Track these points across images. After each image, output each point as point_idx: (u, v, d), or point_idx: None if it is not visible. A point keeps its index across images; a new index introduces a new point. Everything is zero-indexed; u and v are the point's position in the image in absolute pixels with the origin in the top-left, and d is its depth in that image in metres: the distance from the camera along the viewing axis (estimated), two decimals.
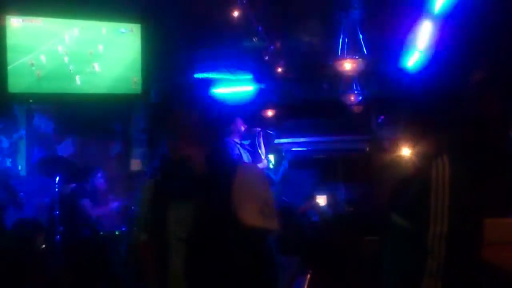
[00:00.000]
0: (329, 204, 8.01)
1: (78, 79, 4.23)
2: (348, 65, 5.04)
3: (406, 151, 2.44)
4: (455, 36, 4.33)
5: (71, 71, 4.21)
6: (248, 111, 7.77)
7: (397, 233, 2.22)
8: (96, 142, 6.33)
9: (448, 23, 4.36)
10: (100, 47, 4.28)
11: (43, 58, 4.17)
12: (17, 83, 4.12)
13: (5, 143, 4.79)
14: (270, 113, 8.17)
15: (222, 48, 6.36)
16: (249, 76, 7.33)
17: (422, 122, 2.34)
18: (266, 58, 6.02)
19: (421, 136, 2.32)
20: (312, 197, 8.78)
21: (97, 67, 4.31)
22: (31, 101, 4.60)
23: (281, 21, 5.59)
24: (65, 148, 5.68)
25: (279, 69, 6.49)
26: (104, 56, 4.34)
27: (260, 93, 7.79)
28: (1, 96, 4.10)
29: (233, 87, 7.68)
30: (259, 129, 6.09)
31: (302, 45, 6.42)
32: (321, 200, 8.48)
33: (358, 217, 5.78)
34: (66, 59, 4.21)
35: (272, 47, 5.94)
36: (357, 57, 5.12)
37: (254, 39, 5.42)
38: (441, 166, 1.96)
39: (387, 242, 2.34)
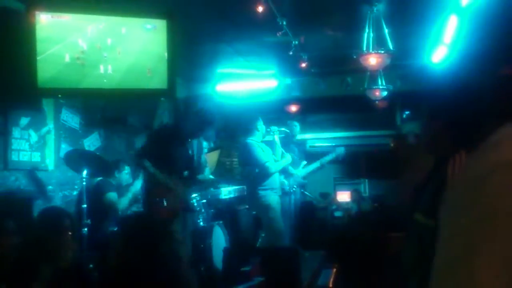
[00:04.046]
0: (353, 200, 7.98)
1: (101, 73, 4.28)
2: (373, 60, 4.98)
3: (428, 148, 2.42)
4: (483, 30, 4.25)
5: (96, 65, 4.27)
6: (272, 106, 7.79)
7: (418, 230, 2.21)
8: (121, 136, 6.43)
9: (476, 17, 4.29)
10: (124, 42, 4.32)
11: (68, 51, 4.23)
12: (45, 77, 4.19)
13: (34, 137, 4.88)
14: (293, 108, 8.15)
15: (245, 43, 6.37)
16: (272, 71, 7.32)
17: (443, 118, 2.32)
18: (290, 53, 5.99)
19: (441, 132, 2.30)
20: (335, 193, 8.78)
21: (121, 61, 4.36)
22: (60, 96, 4.68)
23: (305, 15, 5.55)
24: (92, 142, 5.78)
25: (303, 64, 6.46)
26: (129, 51, 4.38)
27: (283, 88, 7.78)
28: (31, 91, 4.17)
29: (257, 83, 7.69)
30: (276, 127, 6.11)
31: (326, 39, 6.38)
32: (345, 196, 8.45)
33: (383, 213, 5.75)
34: (89, 52, 4.26)
35: (296, 42, 5.91)
36: (382, 51, 5.06)
37: (278, 34, 5.40)
38: (458, 163, 1.95)
39: (409, 240, 2.33)
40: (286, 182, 6.24)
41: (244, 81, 7.77)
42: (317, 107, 8.51)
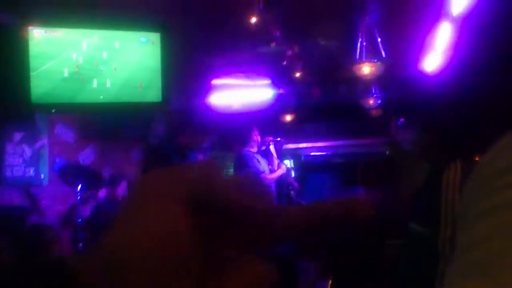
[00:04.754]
0: None
1: (95, 88, 4.28)
2: (366, 69, 5.01)
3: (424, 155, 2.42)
4: (474, 38, 4.29)
5: (90, 79, 4.27)
6: (267, 116, 7.80)
7: (413, 238, 2.21)
8: (117, 149, 6.40)
9: (467, 25, 4.31)
10: (118, 56, 4.33)
11: (62, 66, 4.23)
12: (39, 92, 4.18)
13: (28, 152, 4.87)
14: (288, 117, 8.16)
15: (239, 53, 6.38)
16: (267, 81, 7.33)
17: (437, 127, 2.32)
18: (284, 63, 6.01)
19: (433, 143, 2.30)
20: None
21: (116, 75, 4.37)
22: (53, 111, 4.68)
23: (298, 25, 5.58)
24: (87, 156, 5.76)
25: (297, 74, 6.48)
26: (123, 65, 4.39)
27: (278, 98, 7.79)
28: (24, 106, 4.17)
29: (252, 93, 7.69)
30: (271, 138, 6.12)
31: (320, 49, 6.40)
32: None
33: (379, 222, 5.74)
34: (84, 67, 4.27)
35: (290, 52, 5.93)
36: (375, 60, 5.08)
37: (271, 44, 5.42)
38: (453, 172, 1.95)
39: (405, 248, 2.33)
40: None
41: (239, 91, 7.78)
42: (312, 116, 8.51)
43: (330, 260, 4.90)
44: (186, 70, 6.49)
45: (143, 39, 4.38)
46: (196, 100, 8.02)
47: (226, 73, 7.22)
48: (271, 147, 6.11)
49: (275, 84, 7.28)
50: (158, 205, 0.38)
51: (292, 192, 6.91)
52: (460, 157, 2.00)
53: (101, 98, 4.27)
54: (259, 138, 5.99)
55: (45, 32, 4.18)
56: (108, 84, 4.30)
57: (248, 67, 7.02)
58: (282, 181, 6.25)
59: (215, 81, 7.59)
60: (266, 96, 7.61)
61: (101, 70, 4.29)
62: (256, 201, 0.41)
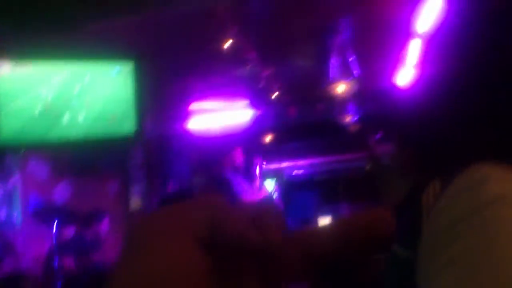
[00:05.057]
0: None
1: (67, 123, 4.21)
2: (340, 88, 5.05)
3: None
4: (443, 54, 4.32)
5: (61, 115, 4.21)
6: (246, 138, 7.77)
7: (397, 262, 2.18)
8: (93, 183, 6.28)
9: (436, 41, 4.35)
10: (90, 89, 4.28)
11: (32, 103, 4.16)
12: (8, 132, 4.10)
13: None
14: (268, 138, 8.15)
15: (215, 76, 6.37)
16: (245, 103, 7.34)
17: (411, 148, 2.31)
18: (261, 85, 6.03)
19: (410, 161, 2.28)
20: (316, 219, 8.72)
21: (88, 109, 4.31)
22: (23, 150, 4.60)
23: (273, 47, 5.61)
24: (62, 193, 5.64)
25: (275, 94, 6.50)
26: (95, 98, 4.33)
27: (257, 119, 7.78)
28: None
29: (230, 115, 7.67)
30: (251, 158, 6.09)
31: (295, 69, 6.43)
32: (327, 221, 8.38)
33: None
34: (55, 103, 4.21)
35: (266, 73, 5.95)
36: (349, 79, 5.12)
37: (247, 67, 5.43)
38: (432, 191, 1.92)
39: (388, 272, 2.29)
40: None
41: (217, 115, 7.76)
42: (291, 136, 8.52)
43: (317, 279, 4.84)
44: (162, 96, 6.45)
45: (115, 71, 4.33)
46: (174, 126, 7.98)
47: (204, 97, 7.20)
48: (255, 169, 6.07)
49: (253, 105, 7.28)
50: (166, 242, 0.35)
51: None
52: (439, 175, 1.96)
53: (74, 134, 4.20)
54: (242, 160, 5.94)
55: (13, 67, 4.11)
56: (80, 119, 4.23)
57: (225, 90, 7.02)
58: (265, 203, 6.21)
59: (193, 106, 7.56)
60: (245, 118, 7.61)
61: (73, 105, 4.23)
62: (267, 233, 0.37)
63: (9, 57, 4.12)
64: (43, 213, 4.44)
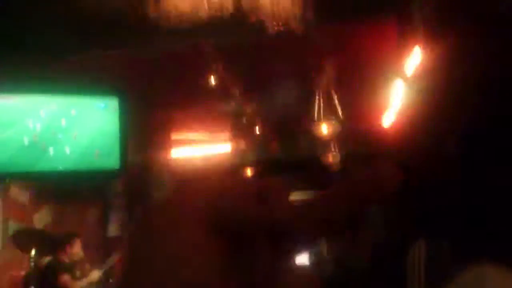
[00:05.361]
0: (312, 263, 7.88)
1: (52, 156, 4.20)
2: (324, 128, 5.13)
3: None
4: (427, 96, 4.44)
5: (48, 147, 4.20)
6: (228, 171, 7.75)
7: None
8: (73, 209, 6.22)
9: (420, 84, 4.46)
10: (77, 123, 4.29)
11: (20, 134, 4.15)
12: None
13: None
14: (249, 172, 8.14)
15: (199, 110, 6.41)
16: (227, 136, 7.37)
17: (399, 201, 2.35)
18: (244, 121, 6.08)
19: (398, 218, 2.32)
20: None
21: (75, 143, 4.31)
22: (7, 181, 4.55)
23: (257, 83, 5.68)
24: (42, 218, 5.57)
25: (257, 130, 6.55)
26: (82, 132, 4.35)
27: (239, 153, 7.79)
28: None
29: (212, 148, 7.68)
30: None
31: (278, 107, 6.50)
32: (304, 259, 8.33)
33: (345, 276, 5.69)
34: (42, 135, 4.20)
35: (249, 109, 6.02)
36: (332, 119, 5.20)
37: (231, 103, 5.49)
38: (417, 252, 1.97)
39: None
40: None
41: (199, 146, 7.76)
42: (273, 170, 8.52)
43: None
44: (146, 129, 6.46)
45: (101, 105, 4.36)
46: (156, 156, 7.96)
47: (186, 128, 7.22)
48: None
49: (234, 139, 7.32)
50: (178, 229, 0.39)
51: None
52: (424, 237, 2.02)
53: (60, 166, 4.19)
54: None
55: (1, 99, 4.11)
56: (67, 152, 4.23)
57: (208, 123, 7.05)
58: None
59: (175, 136, 7.57)
60: (227, 151, 7.62)
61: (60, 138, 4.23)
62: (272, 210, 0.40)
63: None
64: (22, 238, 4.38)
